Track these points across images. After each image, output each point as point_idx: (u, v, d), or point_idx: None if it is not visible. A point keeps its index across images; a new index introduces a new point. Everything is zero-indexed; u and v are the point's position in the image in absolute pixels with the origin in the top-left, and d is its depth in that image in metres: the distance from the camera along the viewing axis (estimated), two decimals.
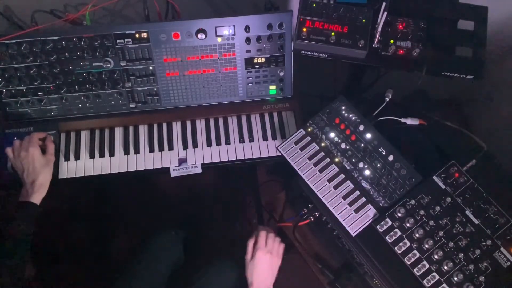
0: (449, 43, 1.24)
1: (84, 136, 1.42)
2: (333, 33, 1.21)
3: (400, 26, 1.24)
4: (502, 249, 1.08)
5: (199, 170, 1.38)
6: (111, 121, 1.43)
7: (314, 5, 1.23)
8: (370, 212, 1.18)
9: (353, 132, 1.26)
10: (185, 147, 1.41)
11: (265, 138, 1.43)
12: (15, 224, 1.14)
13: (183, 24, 1.30)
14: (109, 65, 1.33)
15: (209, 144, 1.42)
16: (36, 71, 1.32)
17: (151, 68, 1.35)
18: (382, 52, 1.24)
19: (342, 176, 1.23)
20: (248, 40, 1.33)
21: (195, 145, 1.41)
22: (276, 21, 1.31)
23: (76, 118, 1.41)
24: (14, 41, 1.26)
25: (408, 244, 1.11)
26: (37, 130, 1.35)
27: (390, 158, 1.22)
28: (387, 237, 1.13)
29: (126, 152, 1.40)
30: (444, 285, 1.07)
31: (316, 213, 1.37)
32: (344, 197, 1.20)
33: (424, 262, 1.09)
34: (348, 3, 1.23)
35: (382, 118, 1.33)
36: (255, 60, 1.37)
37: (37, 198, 1.19)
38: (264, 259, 1.18)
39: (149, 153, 1.40)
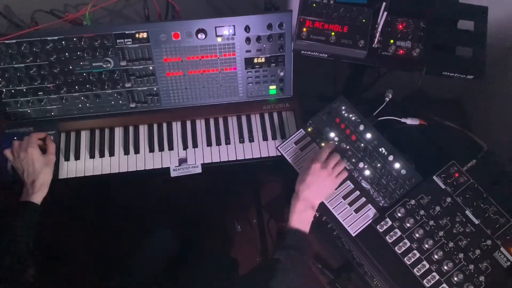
0: (449, 43, 1.24)
1: (84, 136, 1.42)
2: (333, 33, 1.21)
3: (400, 26, 1.24)
4: (502, 249, 1.08)
5: (199, 170, 1.38)
6: (111, 121, 1.43)
7: (314, 5, 1.23)
8: (370, 212, 1.18)
9: (353, 132, 1.26)
10: (185, 147, 1.41)
11: (265, 138, 1.43)
12: (16, 224, 1.14)
13: (183, 24, 1.29)
14: (109, 65, 1.33)
15: (209, 144, 1.42)
16: (36, 71, 1.32)
17: (151, 68, 1.35)
18: (382, 52, 1.24)
19: None
20: (248, 40, 1.33)
21: (195, 145, 1.41)
22: (276, 21, 1.31)
23: (76, 118, 1.41)
24: (14, 41, 1.26)
25: (408, 244, 1.11)
26: (37, 130, 1.35)
27: (390, 158, 1.22)
28: (387, 237, 1.13)
29: (126, 152, 1.40)
30: (444, 285, 1.07)
31: (316, 213, 1.37)
32: (344, 197, 1.20)
33: (424, 262, 1.09)
34: (348, 3, 1.23)
35: (382, 118, 1.33)
36: (255, 60, 1.37)
37: (37, 198, 1.19)
38: (317, 172, 1.12)
39: (149, 153, 1.40)
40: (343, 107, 1.29)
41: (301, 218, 1.10)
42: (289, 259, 1.04)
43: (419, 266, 1.09)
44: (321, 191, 1.14)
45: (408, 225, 1.13)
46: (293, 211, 1.11)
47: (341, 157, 1.24)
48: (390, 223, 1.14)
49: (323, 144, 1.27)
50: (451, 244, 1.10)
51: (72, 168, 1.37)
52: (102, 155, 1.39)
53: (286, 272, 1.02)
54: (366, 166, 1.22)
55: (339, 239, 1.28)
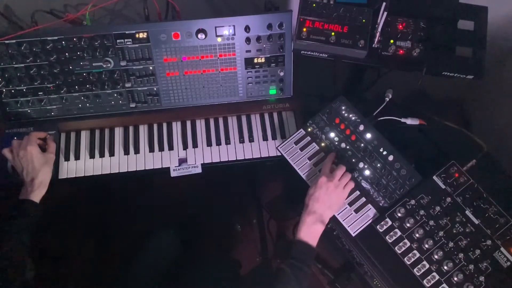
0: (449, 43, 1.24)
1: (84, 136, 1.42)
2: (333, 33, 1.21)
3: (400, 26, 1.24)
4: (502, 249, 1.08)
5: (199, 170, 1.38)
6: (111, 121, 1.42)
7: (314, 5, 1.23)
8: (370, 212, 1.18)
9: (353, 132, 1.26)
10: (185, 147, 1.41)
11: (265, 138, 1.43)
12: (15, 222, 1.14)
13: (183, 24, 1.30)
14: (109, 65, 1.33)
15: (209, 144, 1.42)
16: (36, 71, 1.32)
17: (151, 68, 1.35)
18: (382, 52, 1.24)
19: None
20: (248, 40, 1.33)
21: (195, 145, 1.41)
22: (276, 21, 1.31)
23: (76, 118, 1.41)
24: (14, 41, 1.26)
25: (408, 244, 1.11)
26: (37, 130, 1.35)
27: (390, 158, 1.22)
28: (387, 237, 1.13)
29: (126, 152, 1.40)
30: (444, 285, 1.07)
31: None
32: None
33: (424, 262, 1.09)
34: (348, 3, 1.23)
35: (382, 118, 1.33)
36: (255, 60, 1.37)
37: (36, 196, 1.19)
38: (324, 185, 1.12)
39: (149, 153, 1.40)
40: (343, 107, 1.29)
41: (310, 231, 1.09)
42: (294, 271, 1.03)
43: (419, 266, 1.09)
44: (330, 203, 1.13)
45: (408, 225, 1.13)
46: (302, 223, 1.10)
47: (341, 157, 1.24)
48: (390, 223, 1.14)
49: (323, 144, 1.27)
50: (451, 244, 1.10)
51: (72, 168, 1.37)
52: (102, 155, 1.39)
53: (288, 284, 1.02)
54: (366, 166, 1.22)
55: (339, 239, 1.28)
